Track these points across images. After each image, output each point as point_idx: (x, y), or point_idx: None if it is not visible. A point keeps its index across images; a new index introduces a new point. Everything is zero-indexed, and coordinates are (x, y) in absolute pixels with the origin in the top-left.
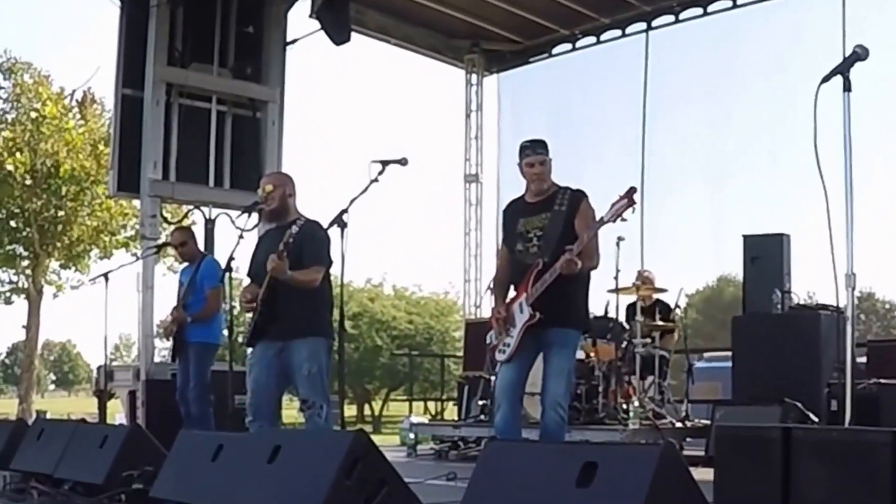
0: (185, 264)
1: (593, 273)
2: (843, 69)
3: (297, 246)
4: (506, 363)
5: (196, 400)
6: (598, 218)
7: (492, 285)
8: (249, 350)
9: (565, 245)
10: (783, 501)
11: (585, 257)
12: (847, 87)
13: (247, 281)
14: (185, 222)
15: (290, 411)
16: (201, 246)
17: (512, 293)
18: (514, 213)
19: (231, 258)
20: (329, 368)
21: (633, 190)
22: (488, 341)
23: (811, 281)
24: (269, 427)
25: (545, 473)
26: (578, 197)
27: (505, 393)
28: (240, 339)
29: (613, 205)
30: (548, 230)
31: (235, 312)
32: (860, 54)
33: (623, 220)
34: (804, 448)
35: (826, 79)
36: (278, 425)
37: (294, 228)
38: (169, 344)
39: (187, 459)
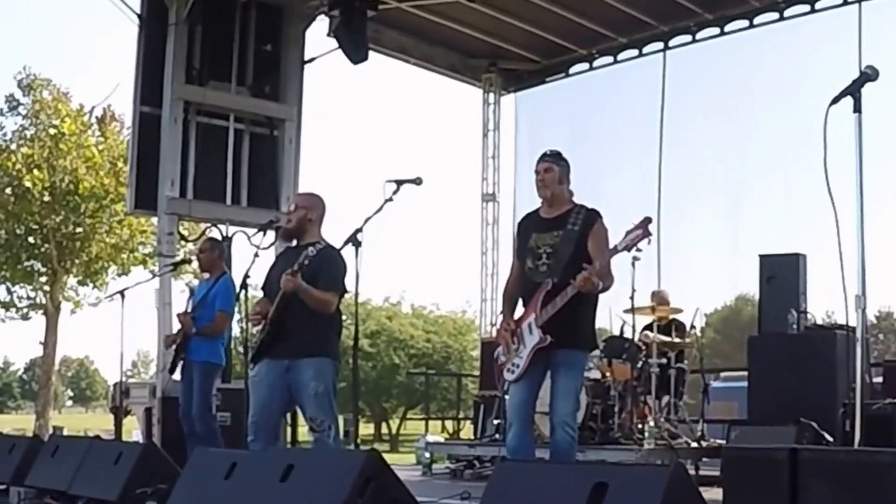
0: (204, 279)
1: (610, 292)
2: (853, 90)
3: (313, 269)
4: (515, 383)
5: (200, 419)
6: (612, 245)
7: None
8: (253, 367)
9: (575, 266)
10: None
11: (599, 278)
12: (857, 108)
13: (260, 294)
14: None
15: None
16: None
17: (520, 309)
18: (527, 227)
19: (246, 276)
20: (336, 389)
21: (647, 220)
22: (496, 358)
23: (829, 301)
24: (269, 446)
25: (556, 494)
26: (592, 217)
27: (516, 412)
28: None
29: (628, 233)
30: (559, 249)
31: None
32: (870, 75)
33: (638, 250)
34: (811, 469)
35: (836, 100)
36: (277, 444)
37: (311, 250)
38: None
39: (201, 477)
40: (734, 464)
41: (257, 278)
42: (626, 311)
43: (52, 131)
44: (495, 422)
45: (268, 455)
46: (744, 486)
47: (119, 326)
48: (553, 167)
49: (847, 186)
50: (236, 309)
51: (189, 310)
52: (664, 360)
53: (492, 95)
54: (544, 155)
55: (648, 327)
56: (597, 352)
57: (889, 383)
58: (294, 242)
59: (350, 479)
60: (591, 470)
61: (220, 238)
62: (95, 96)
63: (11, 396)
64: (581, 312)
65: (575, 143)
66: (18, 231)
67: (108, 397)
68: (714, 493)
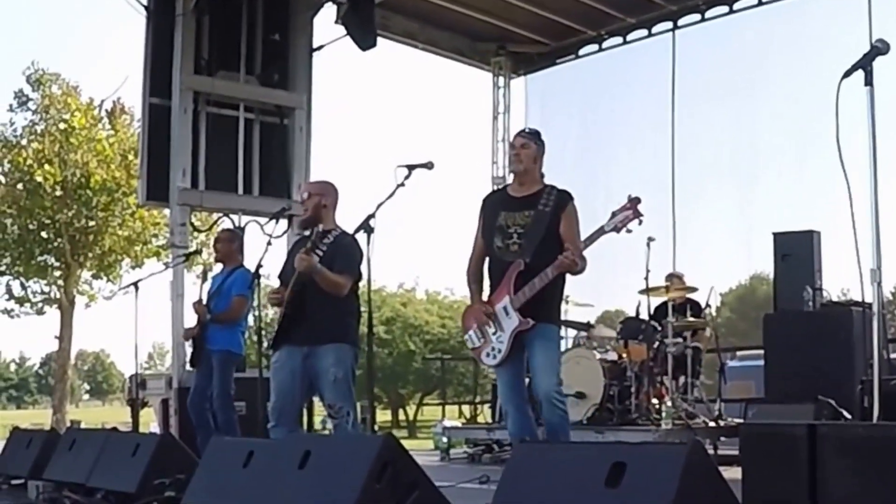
0: (217, 271)
1: (625, 275)
2: (864, 64)
3: (329, 255)
4: (499, 367)
5: (221, 409)
6: (598, 226)
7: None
8: (273, 353)
9: (546, 247)
10: (810, 498)
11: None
12: (868, 82)
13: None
14: (216, 230)
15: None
16: None
17: (488, 290)
18: (494, 204)
19: (259, 265)
20: (355, 375)
21: (636, 200)
22: (468, 342)
23: (844, 278)
24: (291, 432)
25: (574, 474)
26: (565, 198)
27: (508, 399)
28: (267, 345)
29: (615, 213)
30: (530, 229)
31: (265, 319)
32: (881, 48)
33: (628, 231)
34: (830, 444)
35: (847, 74)
36: (299, 430)
37: (327, 235)
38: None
39: (218, 466)
40: (752, 440)
41: (270, 268)
42: (640, 292)
43: (62, 126)
44: None
45: (285, 442)
46: (762, 462)
47: (134, 319)
48: (530, 143)
49: (860, 161)
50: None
51: (204, 299)
52: (680, 340)
53: (501, 79)
54: (522, 131)
55: (663, 307)
56: (613, 332)
57: None
58: (309, 231)
59: (367, 464)
60: (609, 449)
61: (236, 229)
62: (105, 90)
63: (28, 391)
64: (549, 290)
65: (586, 125)
66: (31, 226)
67: (124, 390)
68: (733, 472)
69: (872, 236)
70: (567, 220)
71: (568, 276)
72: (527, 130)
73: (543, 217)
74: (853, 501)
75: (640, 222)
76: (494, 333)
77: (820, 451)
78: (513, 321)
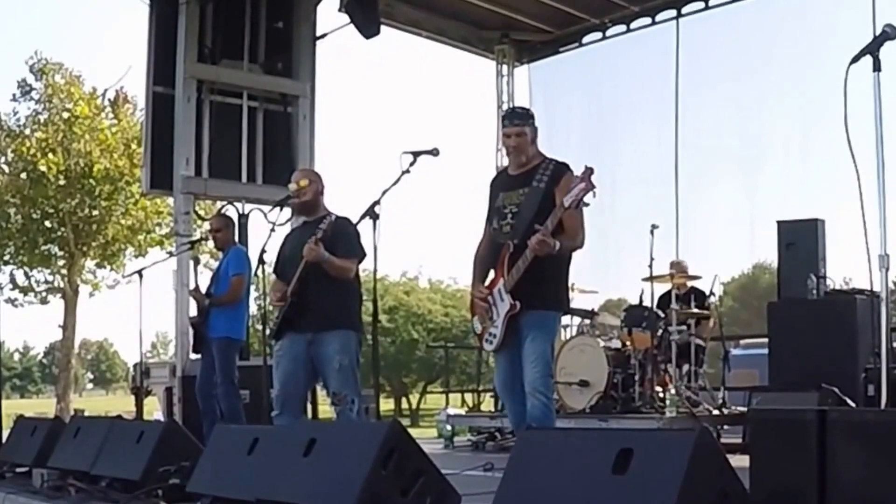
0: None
1: (629, 262)
2: (872, 49)
3: (329, 240)
4: (496, 353)
5: (224, 397)
6: (559, 204)
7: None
8: (276, 342)
9: (538, 225)
10: (819, 484)
11: (567, 237)
12: (877, 67)
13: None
14: None
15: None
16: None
17: (491, 273)
18: (497, 185)
19: (263, 251)
20: (360, 362)
21: (590, 171)
22: (473, 327)
23: (847, 266)
24: (295, 420)
25: (580, 461)
26: (560, 171)
27: (505, 388)
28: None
29: (572, 188)
30: (522, 208)
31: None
32: (889, 33)
33: (585, 204)
34: (840, 430)
35: (855, 59)
36: (304, 418)
37: (332, 217)
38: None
39: (223, 454)
40: (761, 426)
41: (273, 254)
42: (644, 280)
43: (65, 115)
44: None
45: (290, 429)
46: (771, 447)
47: (137, 308)
48: (524, 129)
49: (866, 148)
50: (253, 287)
51: (208, 287)
52: (684, 328)
53: (505, 67)
54: (513, 115)
55: (667, 295)
56: (617, 321)
57: None
58: (302, 220)
59: (373, 451)
60: (615, 436)
61: (233, 215)
62: (108, 79)
63: (32, 381)
64: (549, 271)
65: (590, 114)
66: (35, 215)
67: (128, 379)
68: (736, 460)
69: (880, 222)
70: (562, 193)
71: (573, 257)
72: (518, 112)
73: (537, 194)
74: (863, 487)
75: (595, 195)
76: (492, 318)
77: (830, 436)
78: (505, 305)
